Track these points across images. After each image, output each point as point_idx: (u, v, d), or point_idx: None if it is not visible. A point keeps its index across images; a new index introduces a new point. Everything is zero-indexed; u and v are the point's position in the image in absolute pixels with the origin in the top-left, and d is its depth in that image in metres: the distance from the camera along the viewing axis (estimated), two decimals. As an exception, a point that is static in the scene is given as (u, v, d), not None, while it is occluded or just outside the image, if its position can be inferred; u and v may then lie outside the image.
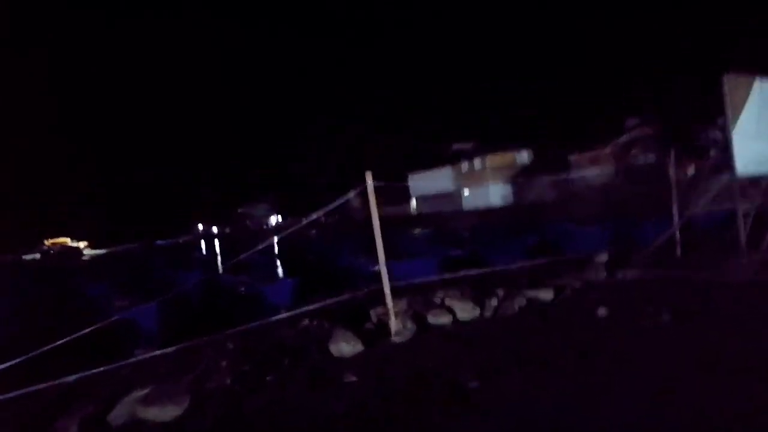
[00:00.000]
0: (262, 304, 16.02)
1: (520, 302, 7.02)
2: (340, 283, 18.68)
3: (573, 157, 38.45)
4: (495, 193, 45.02)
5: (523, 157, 47.02)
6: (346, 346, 5.72)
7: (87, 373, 5.77)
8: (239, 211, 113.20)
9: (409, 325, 6.26)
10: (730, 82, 7.52)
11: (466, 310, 6.62)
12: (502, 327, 6.21)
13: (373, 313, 7.03)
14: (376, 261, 18.99)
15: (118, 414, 4.83)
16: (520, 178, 44.32)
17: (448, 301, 6.89)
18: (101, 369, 5.82)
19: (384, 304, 7.11)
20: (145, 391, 5.03)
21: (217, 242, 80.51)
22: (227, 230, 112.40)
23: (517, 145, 47.35)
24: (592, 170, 35.93)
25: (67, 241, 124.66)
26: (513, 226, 28.93)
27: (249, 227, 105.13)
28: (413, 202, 58.80)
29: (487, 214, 41.02)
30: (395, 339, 5.99)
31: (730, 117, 7.53)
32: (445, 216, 46.57)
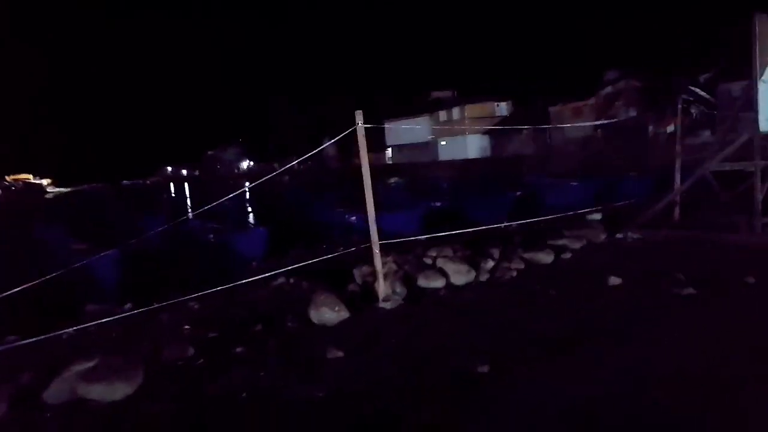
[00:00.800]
0: (231, 253, 15.21)
1: (517, 265, 6.38)
2: (315, 235, 17.98)
3: (554, 109, 37.71)
4: (473, 145, 44.27)
5: (502, 108, 46.11)
6: (328, 313, 5.00)
7: (24, 341, 4.89)
8: (209, 153, 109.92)
9: (399, 288, 5.56)
10: (761, 23, 6.63)
11: (460, 273, 5.94)
12: (502, 295, 5.56)
13: (357, 274, 6.30)
14: (353, 212, 18.28)
15: (55, 391, 4.04)
16: (498, 129, 43.57)
17: (440, 263, 6.18)
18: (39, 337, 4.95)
19: (369, 263, 6.38)
20: (90, 363, 4.22)
21: (186, 185, 78.42)
22: (196, 173, 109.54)
23: (497, 96, 46.33)
24: (573, 123, 35.31)
25: (30, 177, 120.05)
26: (493, 179, 28.47)
27: (219, 171, 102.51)
28: (388, 152, 57.67)
29: (465, 165, 40.44)
30: (384, 305, 5.29)
31: (759, 65, 6.73)
32: (420, 166, 45.83)
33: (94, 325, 5.21)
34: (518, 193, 20.29)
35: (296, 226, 19.91)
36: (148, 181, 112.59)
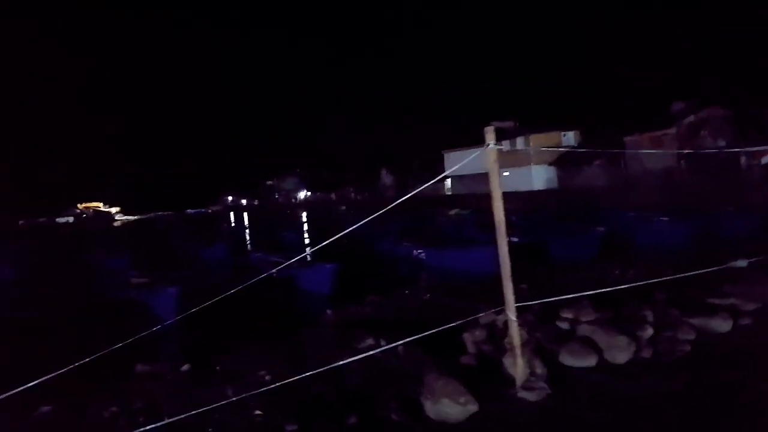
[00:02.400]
0: (297, 290, 14.12)
1: (686, 335, 4.77)
2: (382, 272, 16.71)
3: (630, 139, 35.29)
4: (538, 176, 42.17)
5: (569, 138, 43.90)
6: (450, 406, 3.58)
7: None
8: (268, 183, 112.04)
9: (539, 369, 4.07)
10: None
11: (616, 347, 4.40)
12: (683, 383, 3.97)
13: (469, 339, 4.88)
14: (418, 245, 16.81)
15: None
16: (566, 160, 41.31)
17: (585, 330, 4.66)
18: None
19: (486, 329, 4.95)
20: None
21: (245, 215, 79.60)
22: (255, 202, 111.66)
23: (563, 125, 44.23)
24: (652, 154, 32.79)
25: (100, 205, 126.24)
26: (566, 213, 26.43)
27: (278, 200, 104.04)
28: (447, 182, 56.23)
29: (532, 197, 38.37)
30: (525, 395, 3.82)
31: None
32: (483, 197, 43.91)
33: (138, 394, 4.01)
34: (601, 228, 18.34)
35: (360, 260, 18.75)
36: (210, 210, 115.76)
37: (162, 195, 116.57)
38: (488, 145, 4.23)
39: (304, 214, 61.16)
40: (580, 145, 42.62)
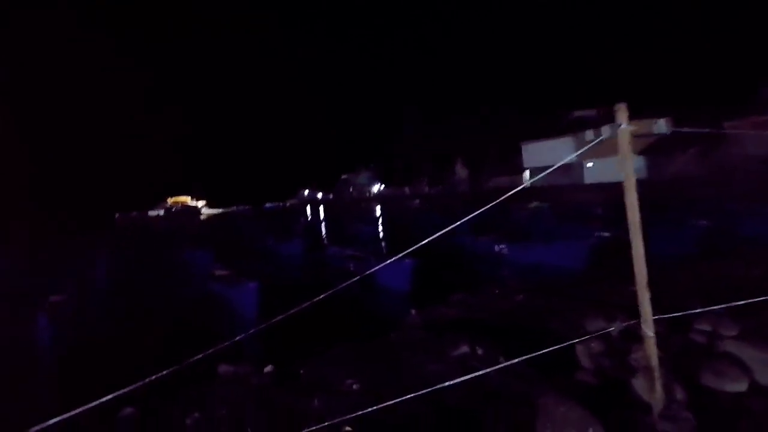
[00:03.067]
0: (376, 286, 13.84)
1: None
2: (465, 267, 16.09)
3: (730, 125, 32.17)
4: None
5: (661, 125, 40.77)
6: (577, 438, 3.01)
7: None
8: (343, 177, 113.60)
9: (679, 393, 3.40)
10: None
11: (772, 368, 3.62)
12: None
13: (584, 353, 4.25)
14: (498, 239, 15.99)
15: None
16: (658, 149, 38.44)
17: (730, 346, 3.90)
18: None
19: (603, 338, 4.31)
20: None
21: (321, 208, 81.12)
22: (330, 196, 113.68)
23: (655, 112, 41.13)
24: (755, 141, 29.75)
25: (187, 200, 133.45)
26: (661, 205, 24.43)
27: (352, 194, 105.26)
28: (526, 174, 54.20)
29: (619, 189, 35.92)
30: (665, 426, 3.17)
31: None
32: (566, 189, 42.01)
33: (221, 399, 3.74)
34: (703, 221, 16.67)
35: (438, 255, 18.20)
36: (287, 204, 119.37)
37: (242, 189, 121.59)
38: (619, 125, 3.58)
39: (378, 208, 61.29)
40: (673, 133, 39.53)
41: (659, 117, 41.24)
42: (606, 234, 16.16)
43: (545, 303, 7.08)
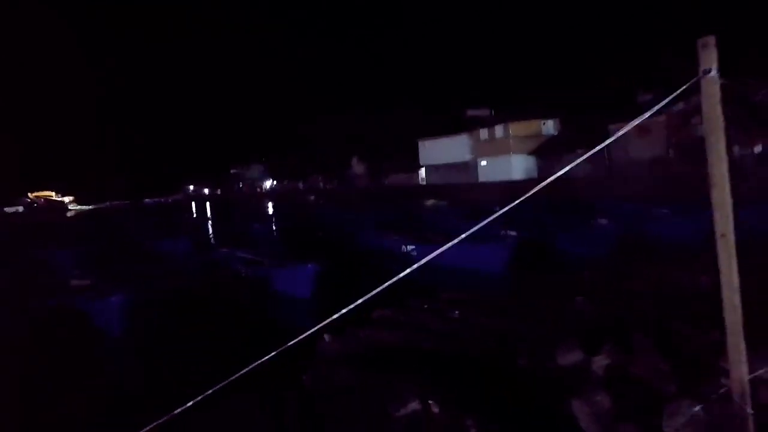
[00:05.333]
0: (272, 294, 11.96)
1: None
2: (370, 270, 14.61)
3: (614, 127, 34.12)
4: (518, 166, 40.74)
5: (549, 126, 42.62)
6: None
7: None
8: (232, 172, 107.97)
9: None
10: None
11: None
12: None
13: (583, 411, 2.92)
14: (402, 239, 14.79)
15: None
16: (547, 149, 40.01)
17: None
18: None
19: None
20: None
21: (207, 205, 75.98)
22: (218, 192, 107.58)
23: (543, 113, 42.89)
24: (638, 143, 31.67)
25: (52, 194, 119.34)
26: (555, 205, 24.88)
27: (242, 190, 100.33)
28: (421, 171, 54.43)
29: (513, 188, 36.93)
30: None
31: None
32: (460, 188, 42.44)
33: None
34: (604, 221, 16.77)
35: (341, 256, 16.64)
36: (170, 200, 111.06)
37: (118, 183, 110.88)
38: (707, 71, 2.22)
39: (271, 205, 58.45)
40: (560, 134, 41.41)
41: (548, 118, 43.12)
42: (514, 233, 15.61)
43: (488, 321, 5.82)
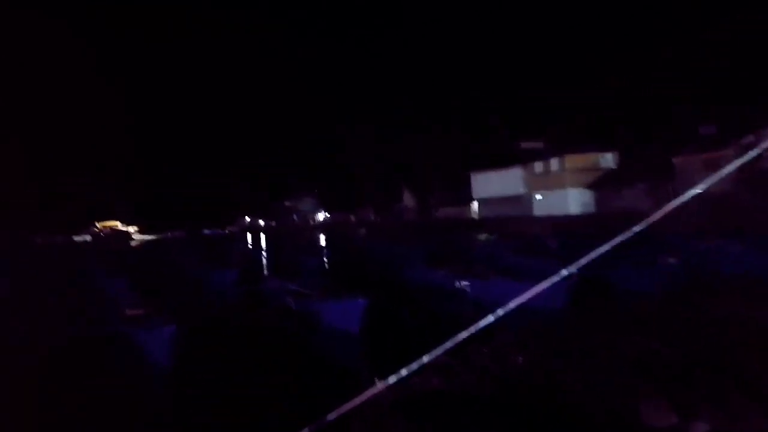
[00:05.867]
0: (320, 329, 11.66)
1: None
2: (422, 306, 14.06)
3: (678, 160, 32.53)
4: (575, 199, 39.38)
5: (608, 158, 41.16)
6: None
7: None
8: (286, 204, 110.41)
9: None
10: None
11: None
12: None
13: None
14: (455, 274, 14.18)
15: None
16: (605, 182, 38.55)
17: None
18: None
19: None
20: None
21: (262, 236, 77.61)
22: (273, 224, 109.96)
23: (601, 145, 41.54)
24: (705, 177, 29.93)
25: (118, 224, 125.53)
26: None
27: (295, 222, 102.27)
28: (473, 204, 53.62)
29: (568, 222, 35.62)
30: None
31: None
32: (512, 221, 41.39)
33: None
34: (671, 260, 15.59)
35: (394, 290, 16.22)
36: (227, 231, 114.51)
37: (179, 214, 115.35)
38: None
39: (323, 237, 58.93)
40: (619, 166, 39.88)
41: (605, 151, 41.74)
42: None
43: (556, 368, 5.25)
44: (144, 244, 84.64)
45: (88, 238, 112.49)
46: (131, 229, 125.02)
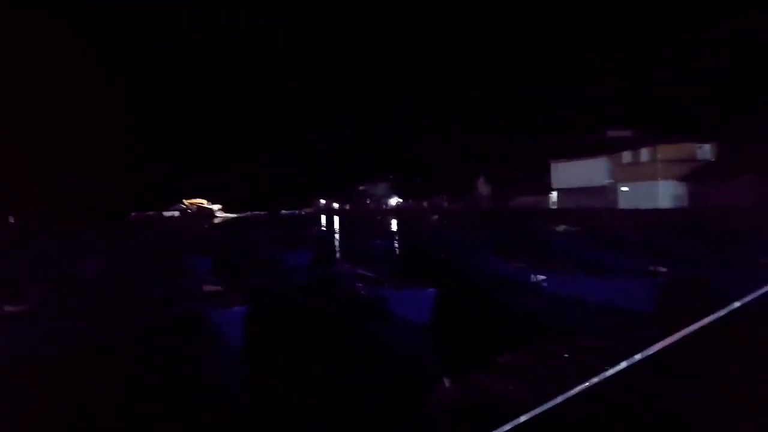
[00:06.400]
0: (389, 315, 11.45)
1: None
2: (495, 300, 13.43)
3: (788, 153, 29.32)
4: (666, 192, 36.64)
5: (705, 150, 37.88)
6: None
7: None
8: (360, 188, 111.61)
9: None
10: None
11: None
12: None
13: None
14: (530, 267, 13.39)
15: None
16: (701, 175, 35.54)
17: None
18: None
19: None
20: None
21: (336, 218, 78.91)
22: (347, 207, 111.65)
23: (698, 136, 38.29)
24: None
25: (204, 202, 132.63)
26: (716, 237, 21.67)
27: (369, 206, 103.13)
28: (553, 195, 51.41)
29: (661, 217, 33.21)
30: None
31: None
32: (594, 213, 39.21)
33: None
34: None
35: (465, 281, 15.70)
36: (303, 212, 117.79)
37: (259, 195, 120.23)
38: None
39: (395, 222, 58.92)
40: (719, 159, 36.63)
41: (703, 141, 38.45)
42: (664, 269, 13.58)
43: (646, 384, 4.65)
44: (226, 223, 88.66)
45: (176, 213, 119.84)
46: (215, 207, 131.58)
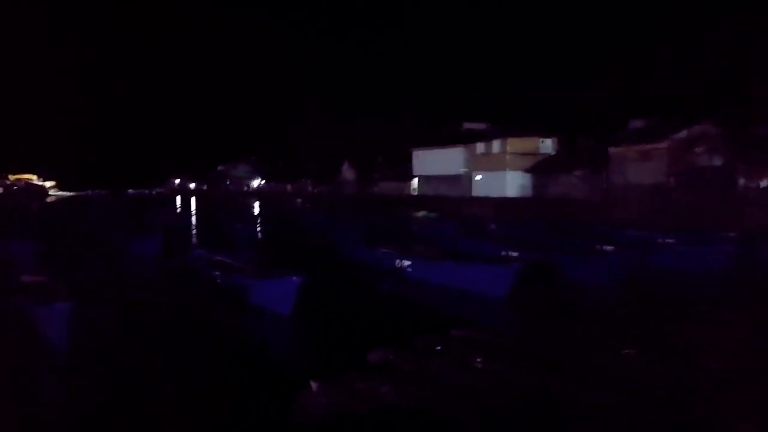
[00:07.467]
0: (248, 307, 10.59)
1: None
2: (360, 288, 13.12)
3: (615, 150, 33.27)
4: (513, 182, 39.71)
5: (548, 145, 41.70)
6: None
7: None
8: (219, 168, 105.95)
9: None
10: None
11: None
12: None
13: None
14: (395, 253, 13.45)
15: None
16: (543, 167, 39.09)
17: None
18: None
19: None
20: None
21: (193, 200, 73.87)
22: (204, 187, 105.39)
23: (543, 131, 42.03)
24: (638, 168, 30.83)
25: (33, 178, 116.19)
26: (553, 225, 23.68)
27: (229, 188, 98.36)
28: (414, 182, 53.21)
29: (507, 204, 35.86)
30: None
31: None
32: (451, 201, 41.30)
33: None
34: (610, 248, 15.49)
35: (331, 269, 15.23)
36: (153, 192, 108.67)
37: (102, 171, 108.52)
38: None
39: (257, 205, 56.76)
40: (558, 154, 40.52)
41: (546, 137, 42.24)
42: (516, 255, 14.45)
43: (522, 376, 4.56)
44: (60, 203, 78.50)
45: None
46: (48, 183, 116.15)
